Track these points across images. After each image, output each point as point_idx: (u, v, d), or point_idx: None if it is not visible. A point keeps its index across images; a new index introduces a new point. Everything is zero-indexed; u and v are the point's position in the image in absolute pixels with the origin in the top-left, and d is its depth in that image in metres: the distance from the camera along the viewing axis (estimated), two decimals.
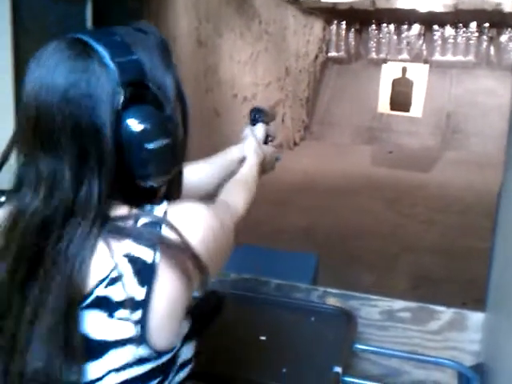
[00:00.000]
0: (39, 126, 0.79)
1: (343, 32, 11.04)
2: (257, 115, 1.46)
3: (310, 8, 9.35)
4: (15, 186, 0.83)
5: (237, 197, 1.14)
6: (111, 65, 0.79)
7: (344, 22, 10.93)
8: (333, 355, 1.53)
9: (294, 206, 6.33)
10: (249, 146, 1.35)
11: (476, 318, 1.81)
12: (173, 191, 0.91)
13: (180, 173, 0.93)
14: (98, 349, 0.79)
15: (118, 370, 0.79)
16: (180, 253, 0.79)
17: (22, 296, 0.79)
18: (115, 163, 0.79)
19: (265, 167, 1.39)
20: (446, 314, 1.84)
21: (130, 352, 0.79)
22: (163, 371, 0.84)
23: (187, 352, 0.92)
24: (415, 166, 8.62)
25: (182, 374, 0.91)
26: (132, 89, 0.80)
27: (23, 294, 0.79)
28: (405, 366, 1.81)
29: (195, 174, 1.29)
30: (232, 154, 1.36)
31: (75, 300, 0.77)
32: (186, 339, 0.90)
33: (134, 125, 0.80)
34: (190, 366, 0.93)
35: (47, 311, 0.77)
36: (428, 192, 7.22)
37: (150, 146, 0.81)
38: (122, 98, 0.79)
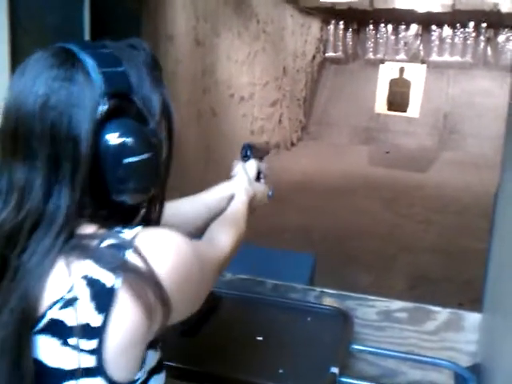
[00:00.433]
0: (18, 134, 0.77)
1: (341, 32, 11.06)
2: (248, 151, 1.42)
3: (307, 8, 9.36)
4: None
5: (224, 235, 1.09)
6: (96, 75, 0.77)
7: (342, 22, 10.95)
8: (329, 356, 1.52)
9: (291, 206, 6.33)
10: (239, 183, 1.32)
11: (473, 318, 1.81)
12: (151, 216, 0.88)
13: (161, 196, 0.89)
14: (53, 378, 0.74)
15: None
16: (142, 281, 0.73)
17: None
18: (88, 176, 0.77)
19: (255, 205, 1.35)
20: (442, 314, 1.84)
21: (88, 383, 0.73)
22: None
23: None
24: (412, 166, 8.64)
25: None
26: (116, 100, 0.78)
27: None
28: (401, 367, 1.80)
29: (180, 210, 1.25)
30: (221, 191, 1.31)
31: (28, 317, 0.73)
32: (153, 372, 0.84)
33: (113, 137, 0.77)
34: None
35: (0, 326, 0.74)
36: (425, 192, 7.24)
37: (128, 160, 0.78)
38: (103, 109, 0.77)
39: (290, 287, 2.00)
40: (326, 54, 11.16)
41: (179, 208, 1.25)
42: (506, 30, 10.05)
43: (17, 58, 1.74)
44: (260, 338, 1.62)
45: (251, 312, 1.80)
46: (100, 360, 0.72)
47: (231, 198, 1.29)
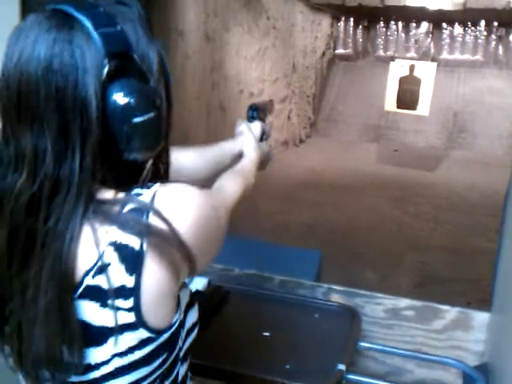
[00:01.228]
0: (21, 101, 0.76)
1: (351, 29, 11.03)
2: (255, 113, 1.46)
3: (318, 4, 9.33)
4: None
5: (233, 183, 1.14)
6: (95, 36, 0.76)
7: (352, 19, 10.91)
8: (336, 352, 1.52)
9: (299, 203, 6.33)
10: (248, 142, 1.36)
11: (481, 317, 1.80)
12: (159, 170, 0.89)
13: (167, 151, 0.91)
14: (99, 335, 0.79)
15: (121, 354, 0.80)
16: (167, 242, 0.77)
17: (21, 280, 0.79)
18: (100, 137, 0.77)
19: (260, 165, 1.39)
20: (450, 313, 1.83)
21: (131, 337, 0.79)
22: (167, 348, 0.85)
23: (192, 317, 0.92)
24: (421, 164, 8.61)
25: (190, 339, 0.92)
26: (117, 60, 0.78)
27: (22, 277, 0.79)
28: (408, 365, 1.80)
29: (189, 159, 1.30)
30: (229, 147, 1.36)
31: (65, 283, 0.76)
32: (188, 307, 0.90)
33: (120, 98, 0.77)
34: (196, 329, 0.94)
35: (42, 294, 0.77)
36: (433, 191, 7.21)
37: (136, 119, 0.79)
38: (107, 70, 0.76)
39: (297, 283, 2.00)
40: (336, 51, 11.12)
41: (186, 157, 1.29)
42: None
43: None
44: (267, 334, 1.62)
45: (258, 308, 1.79)
46: (138, 315, 0.77)
47: (237, 155, 1.34)
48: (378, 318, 1.88)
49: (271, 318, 1.72)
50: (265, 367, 1.47)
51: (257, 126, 1.44)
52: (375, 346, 1.71)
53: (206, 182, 1.22)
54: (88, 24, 0.77)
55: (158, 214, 0.77)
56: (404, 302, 1.88)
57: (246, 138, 1.37)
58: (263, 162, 1.42)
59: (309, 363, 1.50)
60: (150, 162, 0.86)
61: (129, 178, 0.84)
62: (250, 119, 1.46)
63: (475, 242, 5.18)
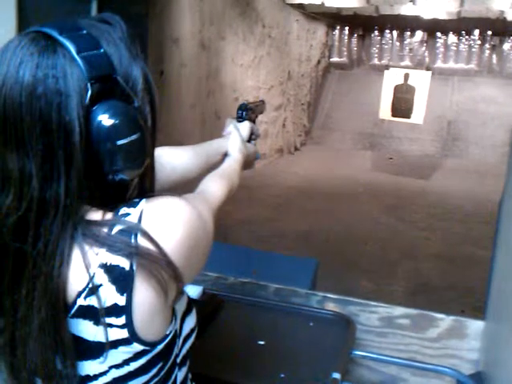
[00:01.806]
0: (7, 126, 0.77)
1: (346, 37, 11.08)
2: (244, 113, 1.46)
3: (313, 13, 9.37)
4: None
5: (217, 187, 1.15)
6: (78, 60, 0.77)
7: (347, 28, 10.97)
8: (331, 361, 1.52)
9: (293, 210, 6.33)
10: (233, 142, 1.37)
11: (475, 326, 1.80)
12: (145, 183, 0.90)
13: (152, 164, 0.91)
14: (95, 349, 0.80)
15: (118, 366, 0.82)
16: (155, 262, 0.78)
17: (12, 297, 0.80)
18: (83, 161, 0.77)
19: (244, 165, 1.40)
20: (445, 321, 1.84)
21: (125, 350, 0.80)
22: (162, 357, 0.86)
23: (189, 324, 0.93)
24: (415, 172, 8.64)
25: (188, 344, 0.94)
26: (100, 83, 0.78)
27: (13, 295, 0.80)
28: (403, 374, 1.80)
29: (182, 158, 1.31)
30: (217, 145, 1.37)
31: (57, 302, 0.78)
32: (185, 315, 0.91)
33: (103, 121, 0.78)
34: (194, 335, 0.95)
35: (35, 313, 0.78)
36: (428, 199, 7.23)
37: (120, 141, 0.79)
38: (90, 94, 0.77)
39: (292, 291, 2.00)
40: (331, 59, 11.17)
41: (177, 156, 1.30)
42: None
43: None
44: (262, 343, 1.62)
45: (253, 316, 1.79)
46: (131, 331, 0.79)
47: (224, 154, 1.36)
48: (373, 326, 1.88)
49: (266, 327, 1.72)
50: (259, 376, 1.47)
51: (245, 126, 1.44)
52: (370, 355, 1.71)
53: (198, 179, 1.23)
54: (71, 48, 0.77)
55: (146, 235, 0.78)
56: (398, 311, 1.88)
57: (232, 138, 1.38)
58: (249, 162, 1.43)
59: (303, 372, 1.50)
60: (136, 179, 0.87)
61: (115, 196, 0.84)
62: (239, 119, 1.46)
63: (469, 249, 5.20)
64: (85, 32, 0.80)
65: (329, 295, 1.96)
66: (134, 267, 0.77)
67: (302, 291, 2.01)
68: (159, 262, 0.78)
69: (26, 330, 0.79)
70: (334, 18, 9.97)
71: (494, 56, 10.33)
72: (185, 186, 1.26)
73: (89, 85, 0.77)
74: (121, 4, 2.40)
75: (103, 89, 0.79)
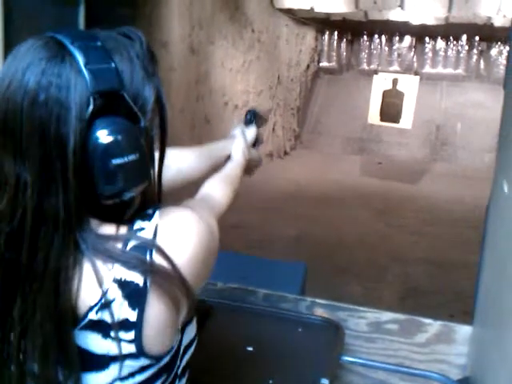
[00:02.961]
0: (7, 128, 0.75)
1: (335, 42, 11.11)
2: (252, 118, 1.45)
3: (302, 18, 9.39)
4: None
5: (221, 193, 1.17)
6: (84, 71, 0.74)
7: (336, 33, 11.00)
8: (320, 367, 1.52)
9: (283, 215, 6.33)
10: (237, 145, 1.36)
11: (463, 331, 1.81)
12: (149, 198, 0.87)
13: (159, 179, 0.89)
14: (100, 361, 0.80)
15: (122, 378, 0.81)
16: (169, 279, 0.78)
17: (7, 309, 0.78)
18: (79, 177, 0.75)
19: (246, 170, 1.40)
20: (433, 326, 1.84)
21: (132, 364, 0.80)
22: (167, 370, 0.86)
23: (190, 334, 0.93)
24: (404, 177, 8.67)
25: (188, 354, 0.93)
26: (105, 98, 0.76)
27: (8, 307, 0.78)
28: (392, 379, 1.80)
29: (188, 160, 1.31)
30: (221, 148, 1.37)
31: (66, 318, 0.77)
32: (186, 324, 0.91)
33: (100, 137, 0.75)
34: (194, 345, 0.95)
35: (36, 330, 0.77)
36: (416, 204, 7.25)
37: (115, 160, 0.76)
38: (91, 108, 0.74)
39: (281, 297, 1.99)
40: (320, 64, 11.20)
41: (183, 158, 1.30)
42: (499, 43, 10.13)
43: None
44: (250, 349, 1.61)
45: (242, 322, 1.79)
46: (139, 346, 0.78)
47: (228, 157, 1.35)
48: (361, 331, 1.88)
49: (255, 333, 1.71)
50: (248, 382, 1.46)
51: (252, 131, 1.44)
52: (358, 360, 1.71)
53: (201, 179, 1.26)
54: (79, 58, 0.75)
55: (161, 252, 0.78)
56: (387, 316, 1.88)
57: (237, 142, 1.37)
58: (251, 168, 1.43)
59: (292, 378, 1.50)
60: (139, 196, 0.84)
61: (116, 211, 0.82)
62: (247, 123, 1.45)
63: (457, 254, 5.21)
64: (99, 44, 0.78)
65: (318, 300, 1.96)
66: (148, 284, 0.77)
67: (291, 296, 2.01)
68: (173, 279, 0.78)
69: (26, 344, 0.78)
70: (323, 23, 9.99)
71: (482, 61, 10.41)
72: (187, 187, 1.28)
73: (91, 98, 0.74)
74: (108, 7, 2.39)
75: (108, 104, 0.76)
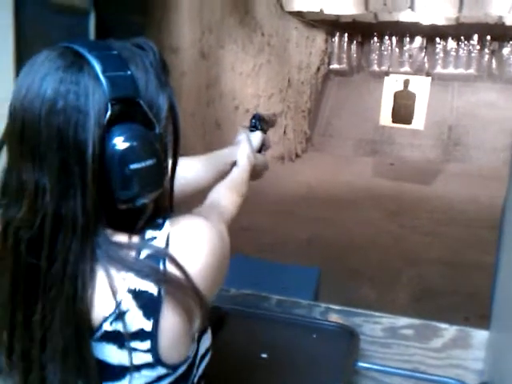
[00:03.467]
0: (25, 138, 0.77)
1: (345, 44, 11.09)
2: (257, 123, 1.45)
3: (312, 20, 9.39)
4: (1, 191, 0.81)
5: (229, 200, 1.17)
6: (102, 79, 0.76)
7: (346, 35, 10.98)
8: (335, 373, 1.51)
9: (295, 218, 6.32)
10: (242, 151, 1.36)
11: (480, 335, 1.79)
12: (162, 202, 0.88)
13: (170, 192, 0.90)
14: (116, 372, 0.80)
15: None
16: (182, 289, 0.79)
17: (25, 317, 0.79)
18: (97, 182, 0.76)
19: (253, 175, 1.39)
20: (449, 331, 1.82)
21: (148, 374, 0.80)
22: (183, 379, 0.86)
23: (205, 343, 0.93)
24: (417, 178, 8.62)
25: (204, 364, 0.93)
26: (122, 105, 0.77)
27: (26, 314, 0.79)
28: None
29: (194, 168, 1.31)
30: (226, 155, 1.36)
31: (83, 325, 0.77)
32: (202, 333, 0.91)
33: (118, 143, 0.76)
34: (209, 354, 0.95)
35: (56, 335, 0.77)
36: (430, 204, 7.21)
37: (133, 165, 0.77)
38: (109, 115, 0.76)
39: (294, 303, 1.98)
40: (331, 66, 11.18)
41: (190, 167, 1.30)
42: (511, 42, 10.06)
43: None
44: (265, 355, 1.60)
45: (256, 328, 1.78)
46: (156, 356, 0.79)
47: (233, 163, 1.35)
48: (377, 337, 1.87)
49: (269, 339, 1.70)
50: None
51: (257, 136, 1.43)
52: (374, 366, 1.70)
53: (208, 187, 1.26)
54: (97, 66, 0.76)
55: (174, 261, 0.78)
56: (402, 321, 1.86)
57: (242, 147, 1.36)
58: (257, 172, 1.42)
59: None
60: (152, 204, 0.84)
61: (130, 217, 0.82)
62: (252, 129, 1.45)
63: (473, 255, 5.17)
64: (115, 53, 0.80)
65: (332, 306, 1.95)
66: (162, 293, 0.77)
67: (304, 302, 1.99)
68: (186, 289, 0.79)
69: (45, 351, 0.78)
70: (333, 26, 9.98)
71: (494, 61, 10.33)
72: (195, 195, 1.28)
73: (109, 105, 0.76)
74: (119, 15, 2.40)
75: (124, 111, 0.78)
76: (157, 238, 0.80)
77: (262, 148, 1.45)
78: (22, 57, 1.76)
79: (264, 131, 1.48)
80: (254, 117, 1.47)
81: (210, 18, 5.99)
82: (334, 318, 1.90)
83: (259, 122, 1.46)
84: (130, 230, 0.81)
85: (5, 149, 0.81)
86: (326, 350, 1.66)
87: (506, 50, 10.22)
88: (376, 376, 1.78)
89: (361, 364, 1.66)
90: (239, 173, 1.32)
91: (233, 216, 1.14)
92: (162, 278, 0.77)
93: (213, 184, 1.27)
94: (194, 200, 1.17)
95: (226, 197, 1.18)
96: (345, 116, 10.61)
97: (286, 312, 1.92)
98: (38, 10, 1.86)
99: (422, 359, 1.82)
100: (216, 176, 1.32)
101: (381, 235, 5.89)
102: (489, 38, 10.12)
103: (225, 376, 1.49)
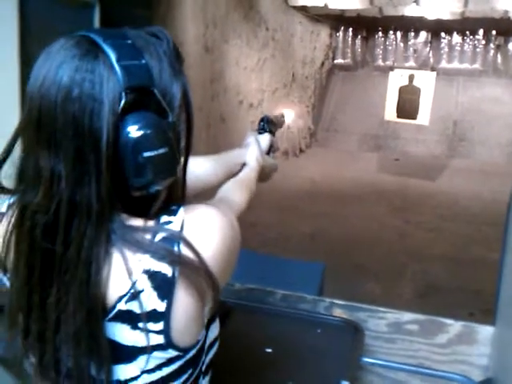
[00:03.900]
0: (41, 124, 0.78)
1: (350, 39, 11.06)
2: (266, 125, 1.48)
3: (317, 15, 9.36)
4: (17, 178, 0.83)
5: (238, 195, 1.20)
6: (117, 68, 0.77)
7: (351, 29, 10.94)
8: (340, 368, 1.50)
9: (300, 213, 6.31)
10: (251, 153, 1.39)
11: (485, 331, 1.78)
12: (175, 191, 0.90)
13: (182, 180, 0.92)
14: (128, 353, 0.81)
15: (150, 371, 0.82)
16: (196, 271, 0.80)
17: (41, 299, 0.80)
18: (111, 169, 0.77)
19: (262, 176, 1.42)
20: (454, 326, 1.82)
21: (160, 355, 0.81)
22: (193, 364, 0.87)
23: (214, 331, 0.95)
24: (422, 173, 8.60)
25: (212, 353, 0.95)
26: (136, 94, 0.78)
27: (42, 297, 0.80)
28: (413, 380, 1.78)
29: (204, 167, 1.34)
30: (236, 156, 1.40)
31: (96, 308, 0.79)
32: (210, 321, 0.92)
33: (132, 131, 0.78)
34: (217, 343, 0.97)
35: (69, 318, 0.79)
36: (435, 200, 7.19)
37: (147, 153, 0.79)
38: (123, 103, 0.77)
39: (299, 298, 1.98)
40: (335, 61, 11.15)
41: (199, 165, 1.32)
42: None
43: (26, 62, 1.74)
44: (269, 350, 1.60)
45: (261, 323, 1.78)
46: (167, 337, 0.80)
47: (242, 164, 1.39)
48: (381, 332, 1.87)
49: (273, 334, 1.70)
50: None
51: (265, 138, 1.47)
52: (378, 362, 1.70)
53: (217, 187, 1.28)
54: (112, 55, 0.78)
55: (188, 244, 0.79)
56: (407, 316, 1.86)
57: (251, 149, 1.40)
58: (266, 174, 1.45)
59: (312, 379, 1.49)
60: (165, 191, 0.86)
61: (144, 204, 0.83)
62: (260, 131, 1.48)
63: (477, 251, 5.16)
64: (129, 42, 0.81)
65: (336, 301, 1.95)
66: (176, 275, 0.78)
67: (309, 297, 1.99)
68: (199, 271, 0.80)
69: (59, 333, 0.80)
70: (337, 20, 9.95)
71: (499, 56, 10.28)
72: (204, 193, 1.29)
73: (123, 93, 0.77)
74: (123, 9, 2.39)
75: (139, 99, 0.79)
76: (172, 222, 0.81)
77: (270, 150, 1.47)
78: (27, 49, 1.76)
79: (272, 133, 1.50)
80: (262, 119, 1.50)
81: (214, 13, 5.98)
82: (338, 312, 1.90)
83: (268, 125, 1.49)
84: (145, 216, 0.83)
85: (20, 137, 0.83)
86: (331, 345, 1.66)
87: (511, 45, 10.17)
88: (381, 371, 1.78)
89: (365, 359, 1.65)
90: (248, 172, 1.35)
91: (242, 210, 1.16)
92: (176, 260, 0.78)
93: (222, 182, 1.29)
94: (204, 197, 1.18)
95: (235, 192, 1.21)
96: (349, 111, 10.58)
97: (290, 307, 1.92)
98: (43, 3, 1.86)
99: (426, 355, 1.82)
100: (225, 175, 1.35)
101: (385, 230, 5.89)
102: (494, 32, 10.06)
103: (230, 370, 1.49)
